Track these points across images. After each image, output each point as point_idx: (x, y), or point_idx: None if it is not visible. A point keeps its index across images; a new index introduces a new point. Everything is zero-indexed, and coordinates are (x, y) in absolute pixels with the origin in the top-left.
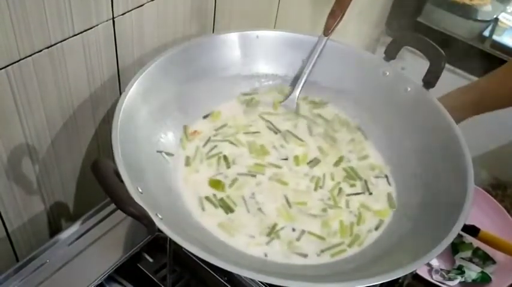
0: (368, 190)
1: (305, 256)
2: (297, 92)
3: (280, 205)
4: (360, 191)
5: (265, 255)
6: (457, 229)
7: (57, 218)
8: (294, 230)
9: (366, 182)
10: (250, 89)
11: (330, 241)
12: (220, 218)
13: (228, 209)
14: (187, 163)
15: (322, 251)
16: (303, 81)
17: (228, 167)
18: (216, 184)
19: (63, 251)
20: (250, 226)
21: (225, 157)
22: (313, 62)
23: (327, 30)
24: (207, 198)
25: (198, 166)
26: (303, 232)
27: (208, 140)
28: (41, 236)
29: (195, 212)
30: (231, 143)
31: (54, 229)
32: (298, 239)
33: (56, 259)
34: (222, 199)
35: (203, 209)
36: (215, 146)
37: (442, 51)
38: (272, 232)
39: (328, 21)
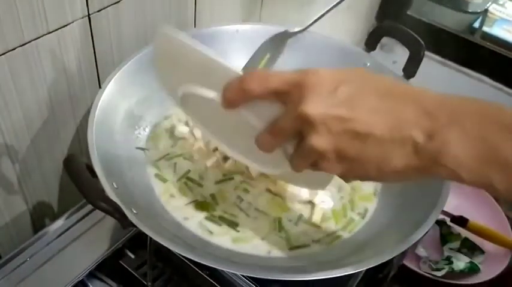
0: None
1: (307, 246)
2: None
3: (270, 198)
4: None
5: (269, 252)
6: (436, 214)
7: (40, 217)
8: (290, 220)
9: None
10: None
11: (325, 228)
12: (231, 234)
13: (233, 224)
14: (161, 178)
15: (318, 240)
16: None
17: (201, 185)
18: (203, 206)
19: (45, 248)
20: (258, 229)
21: (191, 179)
22: None
23: None
24: (208, 218)
25: (172, 189)
26: (299, 218)
27: (167, 156)
28: (25, 235)
29: (203, 236)
30: (185, 158)
31: (38, 228)
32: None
33: (38, 256)
34: (221, 217)
35: (211, 232)
36: (175, 164)
37: (420, 40)
38: (281, 227)
39: None
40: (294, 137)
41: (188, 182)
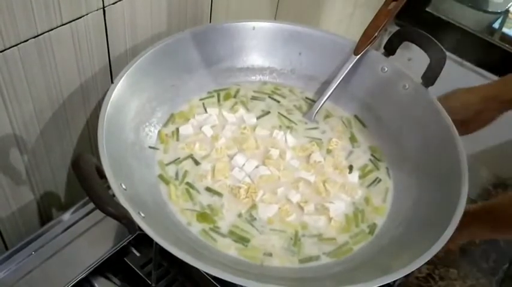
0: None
1: (317, 258)
2: (314, 112)
3: (282, 209)
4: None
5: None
6: (450, 231)
7: (47, 208)
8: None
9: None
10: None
11: (339, 240)
12: (237, 247)
13: (243, 240)
14: (165, 181)
15: (330, 253)
16: (323, 100)
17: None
18: (204, 218)
19: (51, 242)
20: (275, 245)
21: (191, 185)
22: (338, 81)
23: (358, 49)
24: (212, 229)
25: (176, 191)
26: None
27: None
28: (31, 225)
29: (207, 242)
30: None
31: (45, 218)
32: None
33: (44, 250)
34: (231, 232)
35: (215, 240)
36: (180, 165)
37: (443, 49)
38: (296, 241)
39: (360, 40)
40: None
41: (189, 188)
